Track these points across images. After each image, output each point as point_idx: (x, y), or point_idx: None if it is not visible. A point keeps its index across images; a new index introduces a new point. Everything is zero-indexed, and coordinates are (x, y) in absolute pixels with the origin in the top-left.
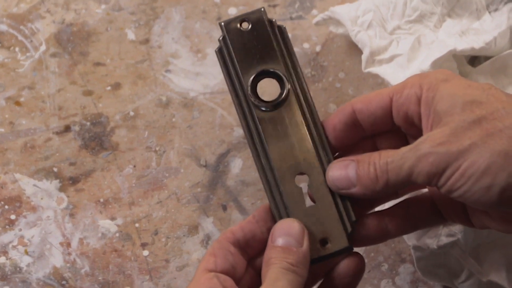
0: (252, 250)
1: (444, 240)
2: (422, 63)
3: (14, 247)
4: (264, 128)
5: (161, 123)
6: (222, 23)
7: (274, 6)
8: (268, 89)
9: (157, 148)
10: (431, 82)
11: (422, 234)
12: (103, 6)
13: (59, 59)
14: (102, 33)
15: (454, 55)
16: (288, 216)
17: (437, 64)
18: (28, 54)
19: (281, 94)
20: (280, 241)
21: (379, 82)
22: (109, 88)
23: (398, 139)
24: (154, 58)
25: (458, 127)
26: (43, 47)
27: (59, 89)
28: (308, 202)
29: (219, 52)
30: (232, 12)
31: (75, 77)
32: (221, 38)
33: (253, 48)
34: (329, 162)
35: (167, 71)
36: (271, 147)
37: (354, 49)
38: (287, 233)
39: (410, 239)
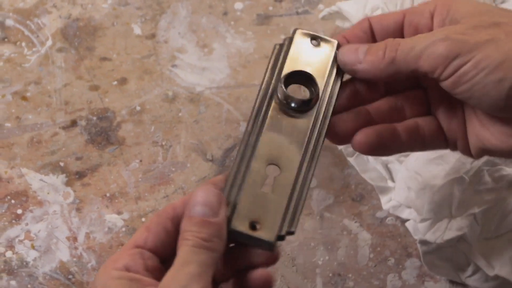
0: None
1: (451, 234)
2: None
3: (20, 241)
4: (273, 116)
5: (168, 118)
6: (297, 30)
7: (281, 1)
8: None
9: (163, 143)
10: (445, 1)
11: (428, 229)
12: (109, 1)
13: (65, 54)
14: (109, 28)
15: None
16: (238, 190)
17: None
18: (34, 49)
19: (309, 99)
20: (195, 211)
21: None
22: (115, 83)
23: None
24: (161, 53)
25: (478, 25)
26: (49, 42)
27: (65, 84)
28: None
29: (279, 46)
30: (239, 6)
31: (81, 72)
32: (287, 38)
33: (308, 63)
34: (306, 178)
35: (174, 66)
36: (265, 133)
37: None
38: (203, 202)
39: (416, 234)
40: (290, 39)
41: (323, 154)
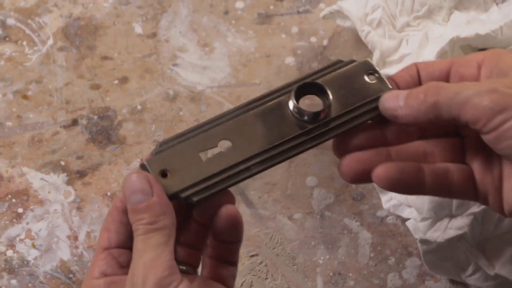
0: None
1: (451, 233)
2: (428, 55)
3: (21, 240)
4: (271, 107)
5: (169, 117)
6: (367, 59)
7: (281, 0)
8: None
9: None
10: (494, 52)
11: (429, 228)
12: (110, 0)
13: (66, 53)
14: (110, 27)
15: (462, 47)
16: (179, 143)
17: (443, 55)
18: (35, 48)
19: (319, 110)
20: (132, 201)
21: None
22: (116, 82)
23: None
24: (162, 52)
25: None
26: (50, 41)
27: (66, 83)
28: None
29: (338, 61)
30: (240, 5)
31: (82, 71)
32: (351, 60)
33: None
34: (249, 169)
35: (175, 65)
36: (249, 114)
37: (361, 43)
38: (134, 190)
39: (417, 233)
40: (352, 61)
41: (323, 153)
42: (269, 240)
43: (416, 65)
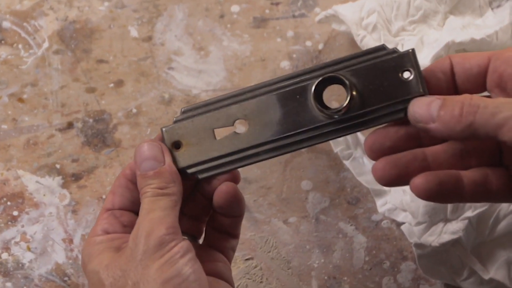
0: None
1: (446, 237)
2: (422, 60)
3: (16, 243)
4: (291, 92)
5: (164, 120)
6: (414, 50)
7: (277, 4)
8: None
9: None
10: None
11: (424, 232)
12: (106, 4)
13: (62, 56)
14: (105, 30)
15: (457, 51)
16: (193, 116)
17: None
18: (31, 51)
19: (339, 108)
20: (144, 167)
21: None
22: (112, 85)
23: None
24: (157, 56)
25: None
26: (46, 44)
27: (62, 86)
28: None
29: (387, 49)
30: (235, 9)
31: (78, 74)
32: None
33: (382, 83)
34: (259, 154)
35: (170, 68)
36: (270, 96)
37: (356, 47)
38: (146, 157)
39: (412, 237)
40: (395, 51)
41: (318, 157)
42: (264, 244)
43: (450, 58)
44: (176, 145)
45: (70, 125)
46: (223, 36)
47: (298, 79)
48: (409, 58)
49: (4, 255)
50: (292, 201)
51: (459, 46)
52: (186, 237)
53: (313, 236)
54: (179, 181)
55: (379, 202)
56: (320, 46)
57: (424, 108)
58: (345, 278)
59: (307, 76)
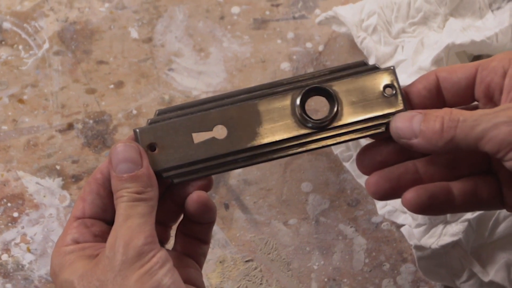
0: None
1: (446, 239)
2: (423, 62)
3: (16, 244)
4: (270, 103)
5: None
6: (394, 67)
7: (277, 5)
8: None
9: None
10: None
11: (424, 234)
12: (106, 5)
13: (62, 57)
14: (105, 31)
15: (457, 54)
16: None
17: (438, 61)
18: (31, 52)
19: (328, 115)
20: (120, 169)
21: None
22: (112, 86)
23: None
24: (157, 57)
25: None
26: (46, 45)
27: (62, 87)
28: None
29: (365, 63)
30: (235, 11)
31: (78, 75)
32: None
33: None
34: (236, 162)
35: (170, 69)
36: (251, 104)
37: (356, 48)
38: (124, 159)
39: (411, 239)
40: (376, 68)
41: (318, 159)
42: (264, 246)
43: (436, 74)
44: (151, 147)
45: (70, 126)
46: (223, 38)
47: (280, 89)
48: (390, 75)
49: (4, 257)
50: (292, 203)
51: (459, 48)
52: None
53: (313, 238)
54: (156, 186)
55: (379, 204)
56: (321, 48)
57: (406, 123)
58: (345, 280)
59: (289, 86)
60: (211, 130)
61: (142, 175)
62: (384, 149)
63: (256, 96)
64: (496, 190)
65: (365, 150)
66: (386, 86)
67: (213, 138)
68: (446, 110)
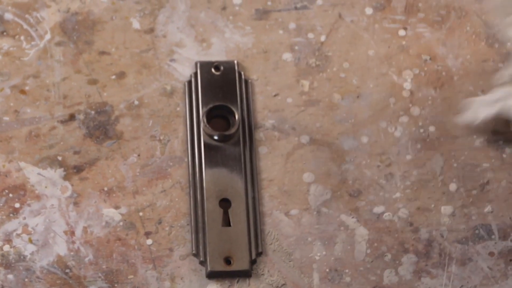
0: None
1: None
2: None
3: (18, 235)
4: (206, 153)
5: (166, 112)
6: (198, 63)
7: None
8: None
9: (161, 137)
10: None
11: None
12: None
13: (64, 48)
14: (107, 22)
15: None
16: (203, 234)
17: None
18: (33, 42)
19: (231, 128)
20: None
21: (383, 72)
22: (114, 77)
23: None
24: (159, 47)
25: None
26: (48, 36)
27: (64, 77)
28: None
29: (188, 84)
30: (237, 1)
31: (80, 66)
32: (192, 73)
33: (218, 89)
34: (253, 196)
35: (172, 60)
36: (207, 170)
37: (358, 39)
38: None
39: None
40: (195, 74)
41: (320, 149)
42: (266, 236)
43: None
44: None
45: (72, 117)
46: (225, 28)
47: (191, 143)
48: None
49: (6, 247)
50: (293, 194)
51: None
52: None
53: (314, 229)
54: None
55: None
56: (322, 38)
57: None
58: (347, 270)
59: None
60: (219, 207)
61: None
62: None
63: None
64: None
65: None
66: (214, 68)
67: (229, 211)
68: None
